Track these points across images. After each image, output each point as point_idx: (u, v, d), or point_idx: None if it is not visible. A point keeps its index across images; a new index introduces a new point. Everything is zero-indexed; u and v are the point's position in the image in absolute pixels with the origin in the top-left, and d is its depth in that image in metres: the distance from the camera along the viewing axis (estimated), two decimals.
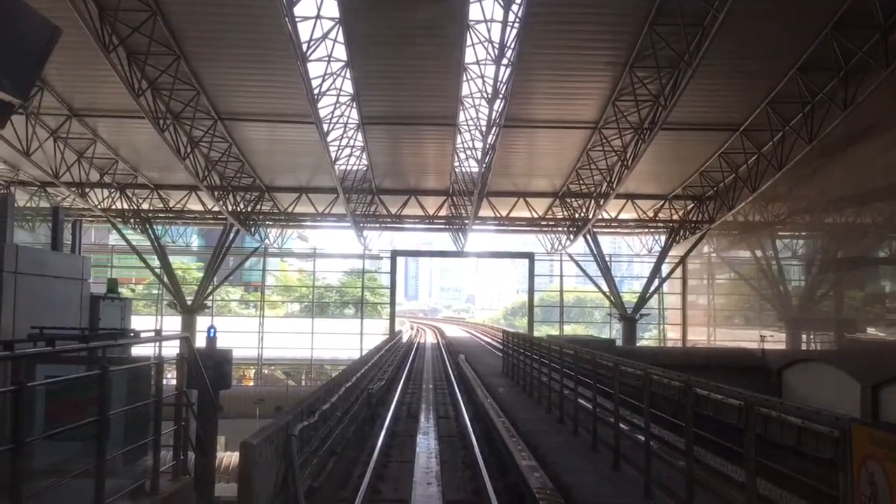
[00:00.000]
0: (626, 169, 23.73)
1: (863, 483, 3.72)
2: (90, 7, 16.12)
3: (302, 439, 7.56)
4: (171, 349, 8.04)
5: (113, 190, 30.92)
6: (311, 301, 41.91)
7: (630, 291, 40.28)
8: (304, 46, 16.96)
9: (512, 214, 32.74)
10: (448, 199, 32.07)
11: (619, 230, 37.82)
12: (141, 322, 35.18)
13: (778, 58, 19.42)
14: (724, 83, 21.02)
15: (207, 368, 8.28)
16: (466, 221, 30.98)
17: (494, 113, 19.63)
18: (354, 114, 22.36)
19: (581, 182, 28.59)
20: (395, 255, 38.15)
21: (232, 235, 34.68)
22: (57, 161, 25.40)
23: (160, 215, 34.05)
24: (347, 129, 23.12)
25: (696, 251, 35.12)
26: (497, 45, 16.66)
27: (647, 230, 36.47)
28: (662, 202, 32.60)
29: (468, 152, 24.73)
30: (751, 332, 30.51)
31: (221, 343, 13.24)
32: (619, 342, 32.24)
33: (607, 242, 39.76)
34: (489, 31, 16.96)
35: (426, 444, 11.44)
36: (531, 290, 37.54)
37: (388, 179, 31.24)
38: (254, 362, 39.76)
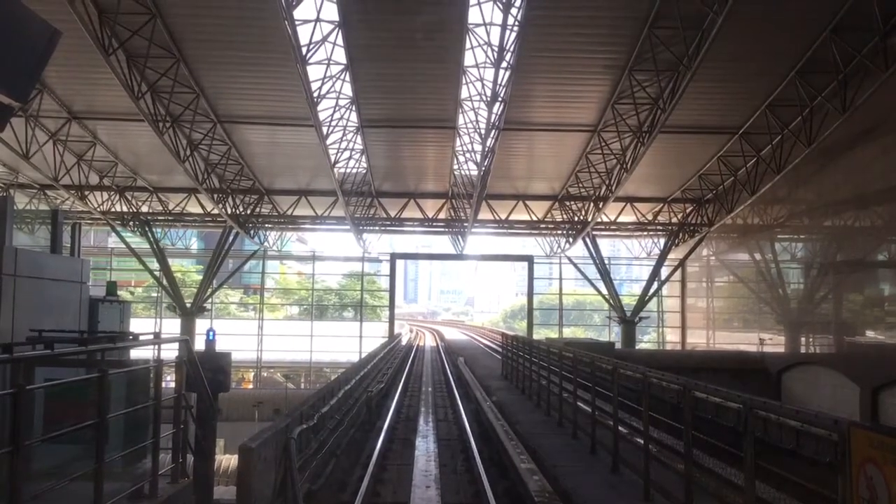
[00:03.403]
0: (626, 172, 23.75)
1: (861, 486, 3.72)
2: (90, 10, 16.14)
3: (301, 442, 7.57)
4: (170, 352, 8.03)
5: (112, 192, 30.94)
6: (310, 304, 41.89)
7: (629, 294, 40.29)
8: (304, 49, 16.98)
9: (511, 217, 32.72)
10: (447, 201, 32.08)
11: (618, 233, 37.82)
12: (140, 325, 35.20)
13: (777, 61, 19.44)
14: (723, 86, 21.04)
15: (206, 371, 8.26)
16: (466, 224, 30.98)
17: (494, 116, 19.64)
18: (354, 117, 22.38)
19: (580, 185, 28.61)
20: (394, 257, 38.21)
21: (231, 238, 34.68)
22: (56, 164, 25.40)
23: (159, 218, 34.07)
24: (347, 131, 23.14)
25: (695, 254, 35.12)
26: (496, 49, 16.68)
27: (646, 233, 36.49)
28: (661, 205, 32.63)
29: (467, 155, 24.76)
30: (750, 335, 30.53)
31: (220, 346, 13.26)
32: (618, 345, 32.21)
33: (606, 245, 39.78)
34: (488, 34, 16.98)
35: (425, 447, 11.42)
36: (530, 293, 37.58)
37: (387, 182, 31.24)
38: (253, 365, 39.75)
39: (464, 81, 20.02)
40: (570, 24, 17.76)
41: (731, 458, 5.84)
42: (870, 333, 23.21)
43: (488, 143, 21.65)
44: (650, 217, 33.42)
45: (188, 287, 38.45)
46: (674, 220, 33.05)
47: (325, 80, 19.15)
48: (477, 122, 21.56)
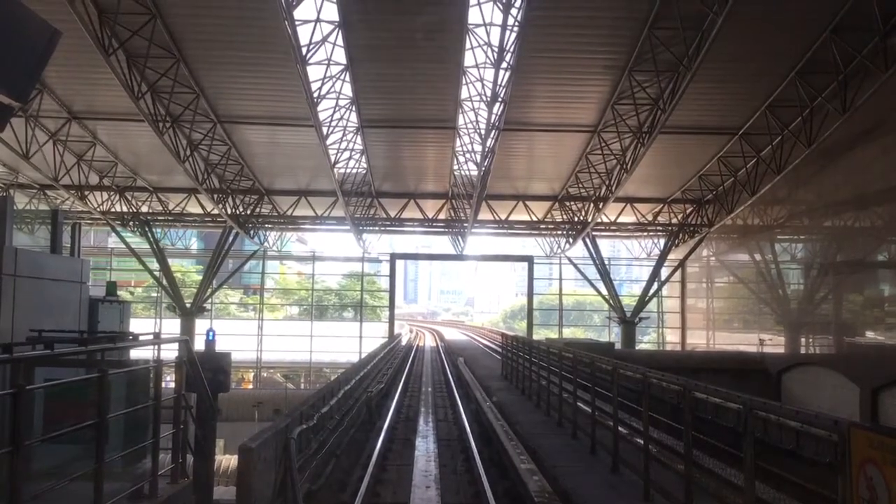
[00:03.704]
0: (626, 172, 23.75)
1: (861, 487, 3.72)
2: (90, 10, 16.14)
3: (301, 442, 7.57)
4: (170, 352, 8.03)
5: (112, 193, 30.94)
6: (310, 304, 41.89)
7: (629, 295, 40.30)
8: (304, 50, 16.98)
9: (511, 218, 32.72)
10: (447, 202, 32.09)
11: (618, 233, 37.81)
12: (140, 325, 35.21)
13: (777, 61, 19.45)
14: (723, 87, 21.04)
15: (206, 371, 8.26)
16: (466, 224, 30.98)
17: (494, 116, 19.64)
18: (354, 117, 22.39)
19: (580, 185, 28.61)
20: (394, 258, 38.18)
21: (231, 238, 34.68)
22: (56, 164, 25.41)
23: (159, 218, 34.07)
24: (347, 132, 23.14)
25: (695, 254, 35.12)
26: (496, 49, 16.68)
27: (646, 233, 36.48)
28: (661, 205, 32.64)
29: (467, 155, 24.76)
30: (750, 336, 30.53)
31: (220, 346, 13.26)
32: (618, 345, 32.21)
33: (606, 246, 39.81)
34: (488, 34, 16.99)
35: (425, 448, 11.43)
36: (530, 294, 37.57)
37: (387, 182, 31.25)
38: (253, 365, 39.76)
39: (464, 82, 20.02)
40: (570, 24, 17.76)
41: (730, 459, 5.84)
42: (870, 334, 23.22)
43: (488, 144, 21.66)
44: (650, 217, 33.42)
45: (188, 287, 38.45)
46: (674, 220, 33.06)
47: (325, 80, 19.16)
48: (477, 122, 21.56)
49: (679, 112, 19.46)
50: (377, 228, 35.05)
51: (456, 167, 27.26)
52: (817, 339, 26.58)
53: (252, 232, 33.94)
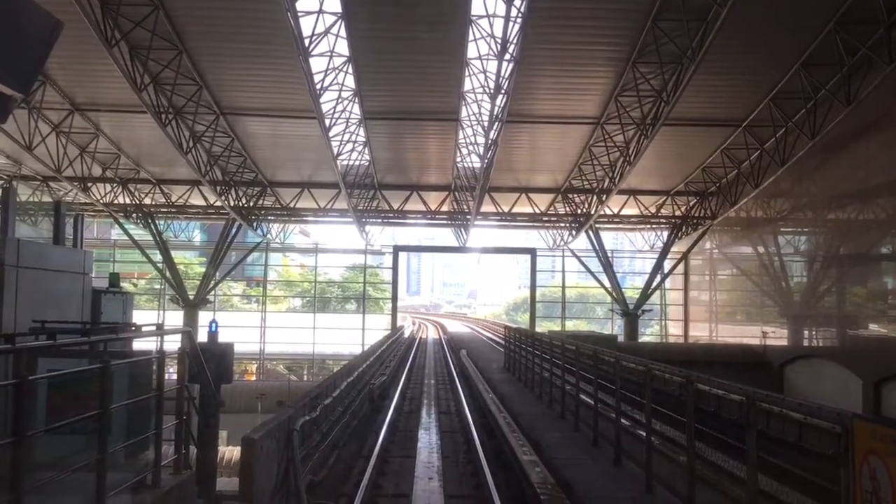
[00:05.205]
0: (629, 164, 23.70)
1: (864, 478, 3.71)
2: (92, 1, 16.10)
3: (303, 434, 7.58)
4: (173, 343, 8.03)
5: (115, 184, 30.95)
6: (313, 296, 41.93)
7: (632, 287, 40.26)
8: (307, 41, 16.93)
9: (514, 210, 32.71)
10: (450, 194, 32.04)
11: (621, 226, 37.76)
12: (143, 316, 35.27)
13: (781, 53, 19.37)
14: (727, 79, 20.96)
15: (209, 363, 8.27)
16: (468, 217, 30.96)
17: (497, 108, 19.60)
18: (356, 109, 22.34)
19: (583, 177, 28.56)
20: (397, 250, 38.19)
21: (234, 230, 34.69)
22: (59, 155, 25.40)
23: (162, 210, 34.08)
24: (349, 124, 23.10)
25: (698, 247, 35.10)
26: (499, 41, 16.63)
27: (649, 226, 36.42)
28: (665, 198, 32.57)
29: (470, 147, 24.69)
30: (753, 328, 30.53)
31: (223, 338, 13.22)
32: (620, 338, 32.24)
33: (609, 238, 39.73)
34: (491, 26, 16.93)
35: (427, 439, 11.46)
36: (533, 286, 37.58)
37: (390, 175, 31.21)
38: (256, 357, 39.81)
39: (467, 73, 19.96)
40: (573, 15, 17.69)
41: (733, 451, 5.83)
42: (873, 327, 23.21)
43: (491, 136, 21.59)
44: (653, 210, 33.36)
45: (191, 279, 38.49)
46: (677, 213, 32.99)
47: (328, 72, 19.10)
48: (480, 114, 21.51)
49: (682, 104, 19.40)
50: (380, 221, 35.03)
51: (459, 159, 27.20)
52: (820, 331, 26.57)
53: (255, 224, 33.94)
